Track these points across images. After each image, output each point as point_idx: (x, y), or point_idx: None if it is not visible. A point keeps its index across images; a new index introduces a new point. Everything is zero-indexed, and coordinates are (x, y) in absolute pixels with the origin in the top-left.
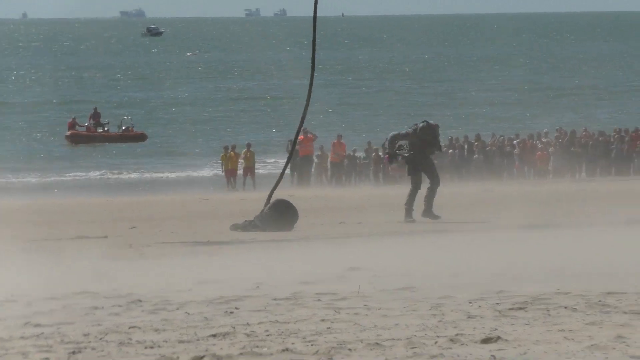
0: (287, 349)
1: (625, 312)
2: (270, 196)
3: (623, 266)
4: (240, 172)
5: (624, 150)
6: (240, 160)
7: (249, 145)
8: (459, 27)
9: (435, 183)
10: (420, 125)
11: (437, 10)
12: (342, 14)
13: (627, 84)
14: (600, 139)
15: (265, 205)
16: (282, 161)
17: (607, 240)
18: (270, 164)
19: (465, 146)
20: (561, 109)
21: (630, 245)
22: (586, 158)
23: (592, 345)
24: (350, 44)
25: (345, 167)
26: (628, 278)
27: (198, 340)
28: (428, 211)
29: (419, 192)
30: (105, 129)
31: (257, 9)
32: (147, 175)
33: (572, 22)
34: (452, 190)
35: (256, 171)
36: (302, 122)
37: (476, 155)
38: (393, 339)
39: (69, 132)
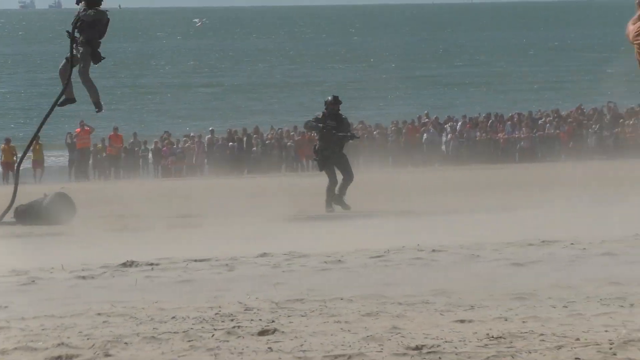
0: (62, 344)
1: (400, 304)
2: (14, 194)
3: (399, 257)
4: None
5: (401, 143)
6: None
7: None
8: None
9: (347, 179)
10: (329, 99)
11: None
12: (119, 5)
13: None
14: (376, 132)
15: (11, 203)
16: (59, 155)
17: (384, 231)
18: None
19: (244, 139)
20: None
21: (405, 236)
22: (363, 150)
23: (367, 336)
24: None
25: (122, 160)
26: (403, 269)
27: None
28: (339, 199)
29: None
30: None
31: (31, 1)
32: None
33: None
34: (230, 182)
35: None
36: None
37: (254, 148)
38: (170, 332)
39: None
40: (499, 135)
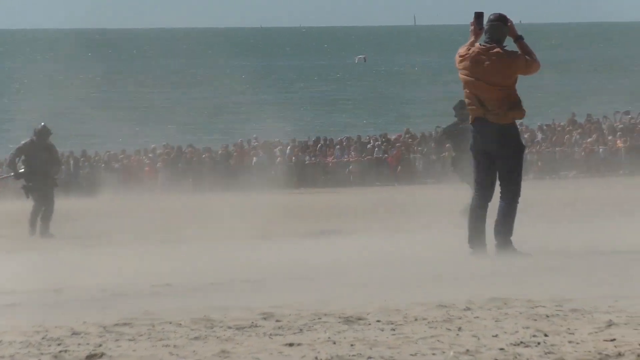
0: None
1: (229, 327)
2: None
3: (229, 279)
4: None
5: (230, 166)
6: None
7: None
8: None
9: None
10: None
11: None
12: None
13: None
14: (205, 155)
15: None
16: None
17: (215, 254)
18: None
19: (71, 161)
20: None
21: (236, 259)
22: (192, 174)
23: None
24: None
25: None
26: (233, 292)
27: None
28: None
29: None
30: None
31: None
32: None
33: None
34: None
35: None
36: None
37: (84, 170)
38: None
39: None
40: (328, 159)
